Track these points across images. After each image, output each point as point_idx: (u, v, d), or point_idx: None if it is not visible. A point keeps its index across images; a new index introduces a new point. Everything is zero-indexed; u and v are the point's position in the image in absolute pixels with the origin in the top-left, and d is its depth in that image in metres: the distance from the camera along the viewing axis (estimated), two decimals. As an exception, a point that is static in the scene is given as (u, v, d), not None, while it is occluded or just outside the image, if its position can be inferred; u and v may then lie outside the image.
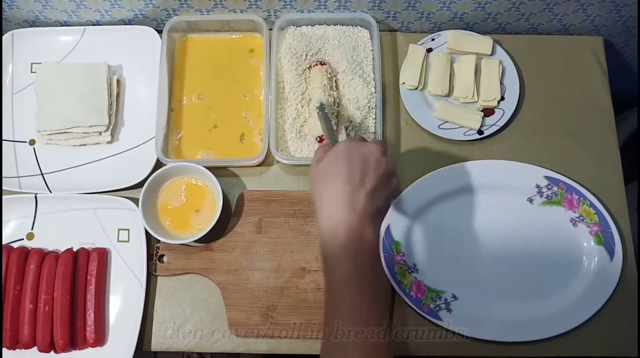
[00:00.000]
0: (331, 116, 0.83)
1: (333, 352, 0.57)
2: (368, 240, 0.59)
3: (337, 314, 0.58)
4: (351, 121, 0.85)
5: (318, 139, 0.84)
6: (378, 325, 0.57)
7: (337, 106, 0.85)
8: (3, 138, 0.87)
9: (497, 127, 0.86)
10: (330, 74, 0.86)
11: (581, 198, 0.81)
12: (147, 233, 0.79)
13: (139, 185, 0.81)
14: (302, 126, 0.86)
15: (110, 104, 0.87)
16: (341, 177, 0.60)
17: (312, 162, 0.66)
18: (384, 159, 0.63)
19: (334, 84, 0.86)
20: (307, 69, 0.88)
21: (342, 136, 0.85)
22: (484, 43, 0.89)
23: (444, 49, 0.90)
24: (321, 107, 0.81)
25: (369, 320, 0.57)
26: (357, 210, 0.59)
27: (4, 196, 0.82)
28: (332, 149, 0.64)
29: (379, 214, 0.63)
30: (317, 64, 0.87)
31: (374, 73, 0.88)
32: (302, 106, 0.86)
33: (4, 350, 0.76)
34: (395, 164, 0.79)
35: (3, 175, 0.84)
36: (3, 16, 0.92)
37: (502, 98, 0.87)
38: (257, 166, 0.86)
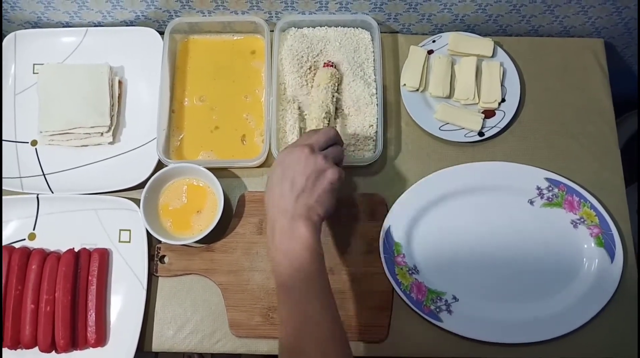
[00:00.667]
0: (323, 115, 0.83)
1: (287, 344, 0.60)
2: (300, 235, 0.62)
3: (285, 308, 0.62)
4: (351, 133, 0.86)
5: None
6: (323, 314, 0.60)
7: (334, 106, 0.85)
8: (5, 138, 0.87)
9: (498, 129, 0.86)
10: (335, 77, 0.85)
11: (582, 200, 0.81)
12: (148, 233, 0.80)
13: (141, 186, 0.81)
14: (303, 127, 0.86)
15: (112, 105, 0.87)
16: (275, 188, 0.66)
17: None
18: (311, 158, 0.65)
19: (336, 86, 0.86)
20: (311, 68, 0.88)
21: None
22: (484, 45, 0.89)
23: (444, 51, 0.90)
24: (297, 106, 0.84)
25: (314, 310, 0.60)
26: (288, 213, 0.63)
27: (6, 197, 0.83)
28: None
29: (316, 210, 0.65)
30: (325, 65, 0.87)
31: (375, 75, 0.88)
32: (304, 107, 0.86)
33: (6, 350, 0.77)
34: (393, 155, 0.83)
35: (5, 176, 0.85)
36: (5, 17, 0.92)
37: (503, 100, 0.87)
38: (258, 167, 0.86)
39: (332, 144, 0.70)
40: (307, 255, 0.62)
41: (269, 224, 0.65)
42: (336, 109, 0.86)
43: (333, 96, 0.84)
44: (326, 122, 0.82)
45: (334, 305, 0.62)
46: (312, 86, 0.87)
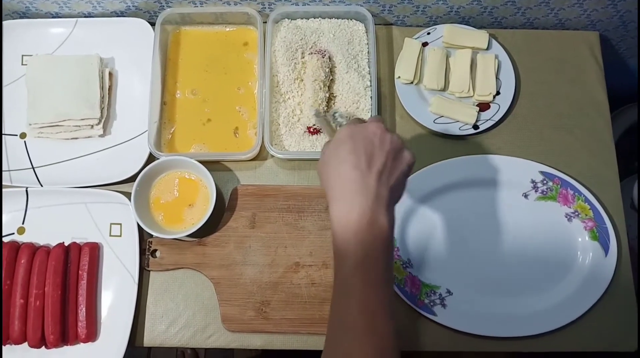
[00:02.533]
0: (316, 101, 0.82)
1: (340, 343, 0.54)
2: (381, 226, 0.55)
3: (346, 304, 0.55)
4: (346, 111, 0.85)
5: (309, 130, 0.84)
6: (386, 317, 0.55)
7: (325, 93, 0.84)
8: (-7, 131, 0.86)
9: (493, 122, 0.86)
10: (325, 66, 0.84)
11: (576, 194, 0.81)
12: (139, 227, 0.79)
13: (132, 179, 0.80)
14: (297, 120, 0.85)
15: (102, 97, 0.86)
16: (347, 162, 0.57)
17: (321, 156, 0.63)
18: (389, 135, 0.59)
19: (324, 72, 0.84)
20: (304, 60, 0.87)
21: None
22: (479, 37, 0.88)
23: (439, 43, 0.89)
24: (317, 114, 0.79)
25: (377, 311, 0.54)
26: (370, 194, 0.55)
27: (-6, 190, 0.82)
28: (335, 138, 0.61)
29: (394, 195, 0.58)
30: (314, 53, 0.86)
31: (369, 67, 0.87)
32: (297, 99, 0.85)
33: (-6, 345, 0.76)
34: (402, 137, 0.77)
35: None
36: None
37: (498, 93, 0.87)
38: (251, 160, 0.86)
39: None
40: (383, 254, 0.55)
41: (337, 202, 0.56)
42: (330, 98, 0.85)
43: (324, 83, 0.84)
44: (323, 107, 0.82)
45: (394, 313, 0.55)
46: (303, 77, 0.86)
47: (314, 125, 0.84)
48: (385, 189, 0.56)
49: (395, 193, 0.58)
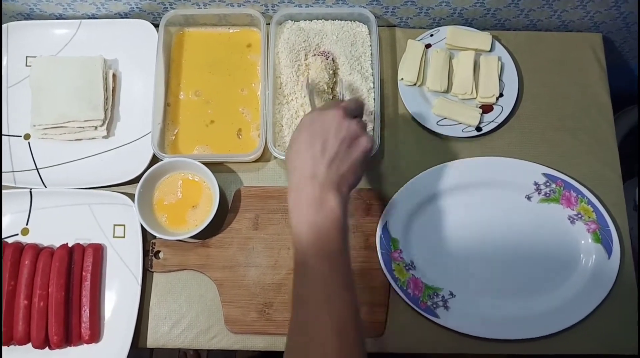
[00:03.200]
0: (322, 93, 0.82)
1: (298, 316, 0.57)
2: (330, 207, 0.58)
3: (303, 280, 0.58)
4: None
5: None
6: (341, 287, 0.57)
7: (331, 94, 0.84)
8: (-3, 132, 0.87)
9: (496, 124, 0.86)
10: (329, 68, 0.84)
11: (579, 196, 0.81)
12: (143, 228, 0.79)
13: (135, 180, 0.81)
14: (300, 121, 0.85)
15: (106, 99, 0.86)
16: (303, 149, 0.61)
17: None
18: (346, 122, 0.61)
19: (328, 73, 0.84)
20: (307, 62, 0.87)
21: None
22: (482, 39, 0.88)
23: (442, 45, 0.89)
24: (306, 84, 0.81)
25: (332, 283, 0.57)
26: (319, 179, 0.59)
27: (-2, 191, 0.82)
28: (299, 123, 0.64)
29: (346, 179, 0.61)
30: (318, 55, 0.85)
31: (372, 69, 0.87)
32: (300, 101, 0.85)
33: (-2, 346, 0.76)
34: (390, 149, 0.80)
35: (-3, 170, 0.84)
36: (-3, 9, 0.91)
37: (501, 95, 0.87)
38: (254, 162, 0.86)
39: (358, 115, 0.67)
40: (335, 231, 0.58)
41: (293, 189, 0.60)
42: (333, 96, 0.85)
43: (328, 84, 0.83)
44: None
45: (354, 286, 0.58)
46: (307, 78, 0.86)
47: None
48: (335, 175, 0.60)
49: (348, 178, 0.61)
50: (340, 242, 0.59)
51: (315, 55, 0.86)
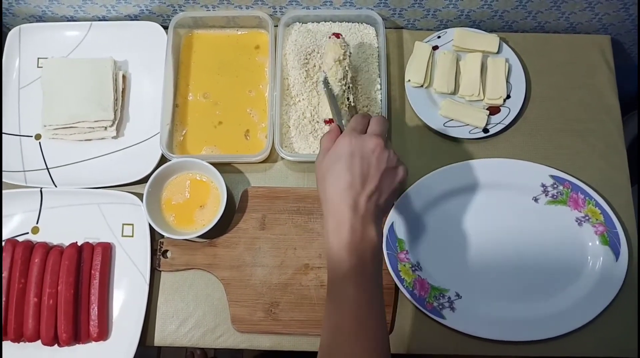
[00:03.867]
0: (345, 91, 0.79)
1: (335, 346, 0.58)
2: (370, 239, 0.60)
3: (339, 310, 0.58)
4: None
5: (326, 121, 0.83)
6: (376, 320, 0.58)
7: (350, 81, 0.80)
8: (9, 132, 0.88)
9: (503, 126, 0.86)
10: (344, 47, 0.79)
11: (587, 198, 0.81)
12: (151, 228, 0.80)
13: (144, 180, 0.81)
14: (307, 122, 0.85)
15: (116, 100, 0.87)
16: (343, 179, 0.61)
17: (319, 152, 0.67)
18: (386, 153, 0.63)
19: (348, 58, 0.79)
20: (315, 64, 0.87)
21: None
22: (490, 41, 0.88)
23: (450, 47, 0.89)
24: (325, 82, 0.77)
25: (368, 316, 0.58)
26: (360, 212, 0.60)
27: (9, 190, 0.83)
28: (334, 145, 0.64)
29: (383, 210, 0.64)
30: (331, 36, 0.81)
31: (379, 70, 0.87)
32: (307, 102, 0.86)
33: (9, 342, 0.77)
34: (398, 151, 0.78)
35: (9, 169, 0.85)
36: (10, 11, 0.92)
37: (508, 96, 0.87)
38: (261, 162, 0.86)
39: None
40: (372, 262, 0.60)
41: (332, 216, 0.61)
42: (352, 84, 0.81)
43: (346, 71, 0.79)
44: (347, 101, 0.80)
45: (385, 315, 0.60)
46: (315, 82, 0.87)
47: (330, 118, 0.81)
48: (374, 207, 0.61)
49: (384, 208, 0.63)
50: (377, 273, 0.61)
51: (330, 37, 0.81)
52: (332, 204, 0.61)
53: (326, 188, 0.62)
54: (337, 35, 0.80)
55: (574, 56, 0.91)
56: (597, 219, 0.80)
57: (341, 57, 0.78)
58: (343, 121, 0.74)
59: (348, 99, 0.79)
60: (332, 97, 0.76)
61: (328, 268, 0.61)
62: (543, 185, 0.82)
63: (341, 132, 0.67)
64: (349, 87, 0.79)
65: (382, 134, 0.64)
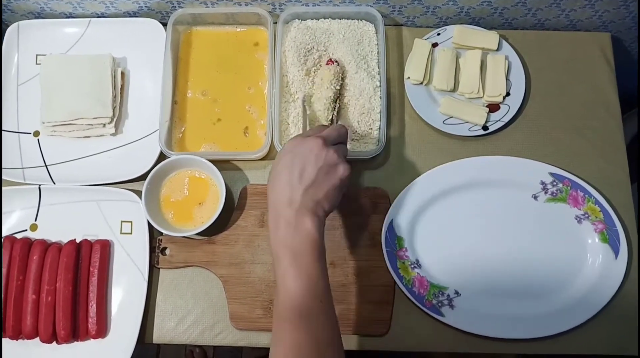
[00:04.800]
0: (332, 113, 0.82)
1: (277, 333, 0.60)
2: (306, 230, 0.62)
3: (282, 298, 0.61)
4: (356, 124, 0.85)
5: None
6: (319, 307, 0.60)
7: (337, 102, 0.84)
8: (8, 129, 0.87)
9: (502, 123, 0.85)
10: (338, 75, 0.84)
11: (586, 195, 0.81)
12: (150, 225, 0.79)
13: (143, 177, 0.81)
14: (311, 122, 0.85)
15: (115, 96, 0.87)
16: (283, 175, 0.64)
17: None
18: (324, 151, 0.65)
19: (339, 82, 0.84)
20: (314, 61, 0.87)
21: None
22: (490, 38, 0.88)
23: (449, 44, 0.89)
24: (303, 100, 0.83)
25: (309, 303, 0.60)
26: (294, 205, 0.63)
27: (8, 187, 0.83)
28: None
29: (323, 205, 0.65)
30: (328, 62, 0.85)
31: (378, 67, 0.87)
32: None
33: (8, 339, 0.77)
34: (396, 149, 0.83)
35: (7, 166, 0.85)
36: (9, 7, 0.92)
37: (508, 94, 0.87)
38: (260, 159, 0.86)
39: (340, 142, 0.70)
40: (311, 253, 0.61)
41: (272, 213, 0.64)
42: (339, 105, 0.85)
43: (336, 93, 0.83)
44: (329, 119, 0.82)
45: (332, 306, 0.62)
46: (314, 81, 0.87)
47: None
48: (310, 201, 0.63)
49: (323, 203, 0.64)
50: (317, 264, 0.62)
51: (327, 64, 0.85)
52: (271, 202, 0.64)
53: (269, 185, 0.66)
54: (333, 62, 0.85)
55: (574, 53, 0.91)
56: (596, 217, 0.80)
57: (335, 84, 0.83)
58: None
59: (332, 121, 0.82)
60: (304, 115, 0.82)
61: (273, 260, 0.63)
62: (542, 183, 0.82)
63: None
64: (335, 109, 0.83)
65: (325, 136, 0.66)
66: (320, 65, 0.88)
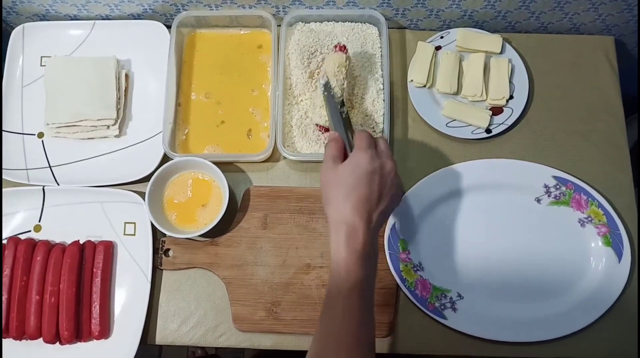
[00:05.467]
0: (339, 103, 0.77)
1: (321, 354, 0.60)
2: (376, 253, 0.65)
3: (338, 318, 0.61)
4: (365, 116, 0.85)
5: (318, 128, 0.83)
6: (371, 330, 0.62)
7: (346, 94, 0.80)
8: (12, 130, 0.88)
9: (506, 126, 0.85)
10: (347, 62, 0.78)
11: (590, 199, 0.81)
12: (153, 226, 0.80)
13: (146, 179, 0.81)
14: (309, 122, 0.85)
15: (119, 98, 0.87)
16: (361, 192, 0.63)
17: (325, 159, 0.68)
18: (398, 178, 0.67)
19: (347, 73, 0.79)
20: (318, 63, 0.87)
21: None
22: (493, 41, 0.88)
23: (452, 47, 0.89)
24: (327, 86, 0.77)
25: (366, 326, 0.61)
26: (372, 225, 0.63)
27: (12, 188, 0.83)
28: (354, 161, 0.65)
29: (382, 225, 0.69)
30: (336, 48, 0.79)
31: (382, 70, 0.87)
32: (309, 102, 0.86)
33: (11, 340, 0.77)
34: (399, 151, 0.85)
35: (12, 167, 0.85)
36: (14, 10, 0.92)
37: (511, 97, 0.87)
38: (263, 161, 0.86)
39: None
40: (370, 274, 0.63)
41: (344, 225, 0.63)
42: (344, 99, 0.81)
43: (344, 83, 0.78)
44: (341, 110, 0.77)
45: (374, 325, 0.63)
46: (317, 80, 0.86)
47: (321, 124, 0.81)
48: (381, 224, 0.66)
49: (383, 224, 0.69)
50: (371, 292, 0.63)
51: (335, 50, 0.79)
52: (344, 214, 0.63)
53: (339, 197, 0.64)
54: (342, 48, 0.79)
55: (578, 56, 0.91)
56: (599, 221, 0.80)
57: (342, 71, 0.78)
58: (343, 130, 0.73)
59: (342, 112, 0.77)
60: (332, 103, 0.77)
61: (333, 275, 0.63)
62: (546, 186, 0.82)
63: (343, 141, 0.70)
64: (343, 101, 0.78)
65: (394, 161, 0.68)
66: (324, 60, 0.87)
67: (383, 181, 0.65)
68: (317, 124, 0.83)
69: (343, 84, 0.79)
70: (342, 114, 0.76)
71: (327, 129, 0.82)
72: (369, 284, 0.63)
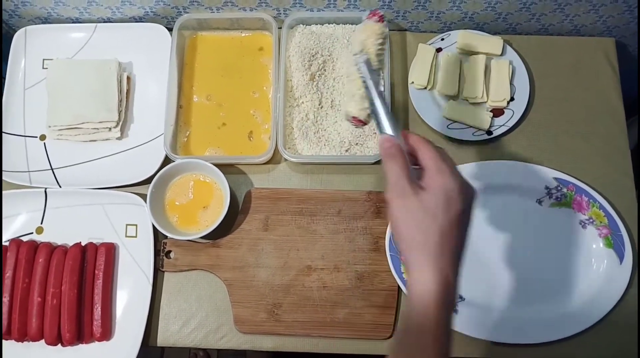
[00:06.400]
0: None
1: None
2: (453, 295, 0.56)
3: (401, 350, 0.55)
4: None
5: (355, 119, 0.65)
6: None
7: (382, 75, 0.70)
8: (14, 133, 0.88)
9: (507, 128, 0.86)
10: (383, 32, 0.64)
11: (591, 200, 0.81)
12: (154, 228, 0.80)
13: (148, 181, 0.82)
14: (310, 124, 0.86)
15: (120, 101, 0.87)
16: (460, 239, 0.56)
17: (393, 178, 0.56)
18: (472, 210, 0.58)
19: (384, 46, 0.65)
20: (318, 65, 0.87)
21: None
22: (494, 43, 0.88)
23: (453, 49, 0.90)
24: (367, 63, 0.61)
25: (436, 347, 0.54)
26: (459, 267, 0.57)
27: (14, 191, 0.83)
28: (442, 188, 0.55)
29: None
30: (371, 15, 0.64)
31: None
32: (310, 104, 0.86)
33: (13, 342, 0.77)
34: None
35: (14, 169, 0.85)
36: (16, 13, 0.93)
37: (512, 99, 0.87)
38: (264, 163, 0.86)
39: None
40: (452, 309, 0.56)
41: (433, 264, 0.54)
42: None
43: (384, 61, 0.66)
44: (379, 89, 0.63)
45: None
46: (318, 82, 0.87)
47: (356, 116, 0.64)
48: (460, 259, 0.57)
49: None
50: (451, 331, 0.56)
51: (370, 18, 0.64)
52: (441, 266, 0.54)
53: (430, 239, 0.54)
54: (380, 17, 0.63)
55: (578, 58, 0.91)
56: (601, 222, 0.80)
57: (378, 45, 0.63)
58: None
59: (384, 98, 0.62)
60: (374, 89, 0.61)
61: (410, 314, 0.55)
62: (547, 187, 0.82)
63: (401, 148, 0.59)
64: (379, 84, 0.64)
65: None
66: (325, 69, 0.88)
67: (470, 213, 0.56)
68: (353, 117, 0.65)
69: (384, 63, 0.66)
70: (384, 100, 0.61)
71: (360, 121, 0.65)
72: (448, 330, 0.55)
